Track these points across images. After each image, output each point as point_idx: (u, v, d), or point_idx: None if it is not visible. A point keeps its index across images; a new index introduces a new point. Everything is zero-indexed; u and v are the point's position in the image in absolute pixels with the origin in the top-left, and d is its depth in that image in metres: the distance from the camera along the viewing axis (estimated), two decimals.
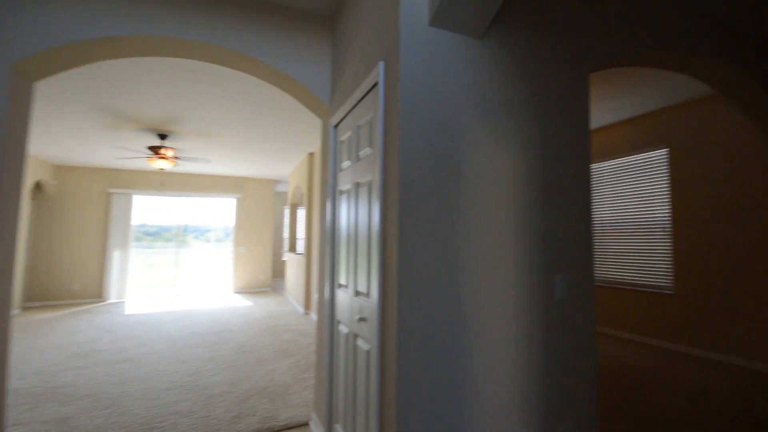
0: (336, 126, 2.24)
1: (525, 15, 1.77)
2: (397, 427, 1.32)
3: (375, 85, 1.64)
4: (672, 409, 2.60)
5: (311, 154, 6.02)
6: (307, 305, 5.86)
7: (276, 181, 9.02)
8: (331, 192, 2.24)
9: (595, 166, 5.06)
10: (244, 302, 6.89)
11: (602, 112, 4.43)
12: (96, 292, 7.01)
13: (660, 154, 4.33)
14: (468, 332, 1.48)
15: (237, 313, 5.93)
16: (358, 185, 1.85)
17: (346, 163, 2.04)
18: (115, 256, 7.10)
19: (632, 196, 4.61)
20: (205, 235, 9.40)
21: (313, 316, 5.62)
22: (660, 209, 4.30)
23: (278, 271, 11.00)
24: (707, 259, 3.86)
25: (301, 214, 7.99)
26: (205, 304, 6.69)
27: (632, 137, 4.61)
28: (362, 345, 1.69)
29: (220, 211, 8.42)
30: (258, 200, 8.43)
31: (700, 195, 3.95)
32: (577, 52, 1.89)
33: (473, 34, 1.61)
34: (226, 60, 2.23)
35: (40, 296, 6.62)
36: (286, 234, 10.53)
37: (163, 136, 4.91)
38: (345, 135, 2.06)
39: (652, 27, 2.24)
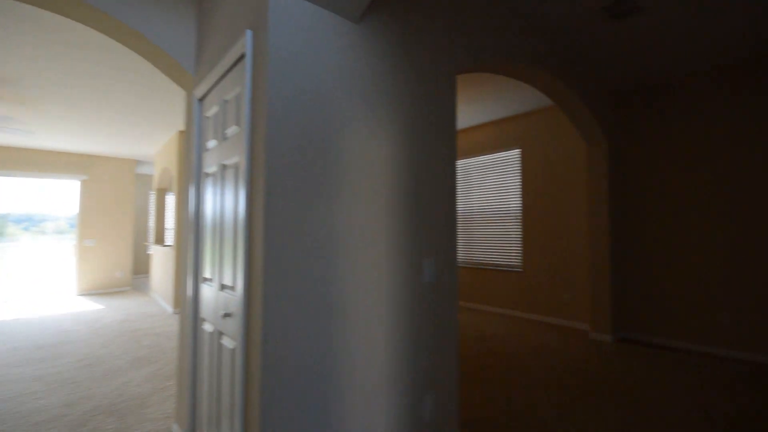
0: (201, 99, 1.97)
1: (402, 8, 1.81)
2: (261, 427, 1.23)
3: (243, 56, 1.48)
4: (517, 367, 3.10)
5: (181, 132, 5.29)
6: (177, 303, 5.20)
7: (138, 162, 7.70)
8: (195, 175, 1.98)
9: (464, 162, 5.66)
10: (91, 305, 5.75)
11: (472, 113, 4.95)
12: None
13: (514, 154, 5.06)
14: (340, 320, 1.48)
15: (81, 319, 4.91)
16: (224, 167, 1.66)
17: (212, 143, 1.82)
18: None
19: (493, 189, 5.30)
20: (39, 225, 7.54)
21: None
22: (514, 201, 5.05)
23: (142, 266, 9.50)
24: (546, 241, 4.69)
25: (171, 200, 7.00)
26: (37, 311, 5.36)
27: (494, 138, 5.28)
28: (227, 343, 1.54)
29: (64, 197, 6.79)
30: (113, 183, 7.07)
31: (542, 189, 4.75)
32: (446, 53, 2.03)
33: (350, 18, 1.57)
34: (54, 3, 1.74)
35: None
36: (152, 223, 9.12)
37: None
38: (211, 110, 1.82)
39: (503, 40, 2.54)
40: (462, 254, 5.67)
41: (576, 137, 4.47)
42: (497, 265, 5.22)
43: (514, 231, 5.05)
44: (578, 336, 4.03)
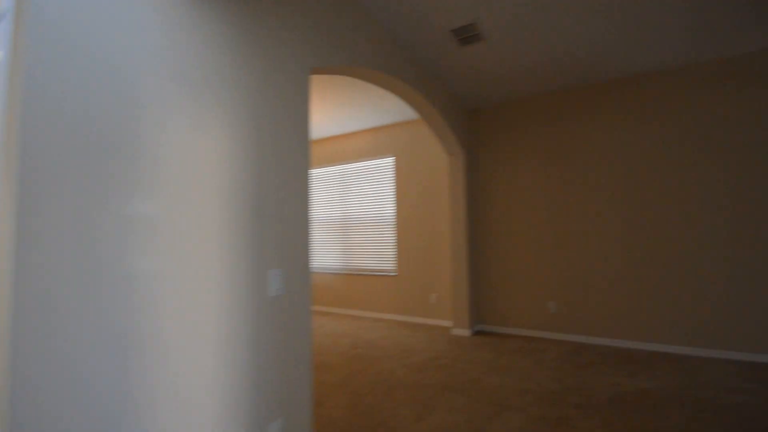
0: None
1: None
2: None
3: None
4: (385, 370, 3.14)
5: None
6: None
7: None
8: None
9: (342, 168, 5.66)
10: None
11: (350, 120, 4.97)
12: None
13: (389, 161, 5.26)
14: (151, 348, 1.19)
15: None
16: None
17: None
18: None
19: (370, 195, 5.41)
20: None
21: None
22: (389, 207, 5.23)
23: None
24: (417, 246, 4.97)
25: None
26: None
27: (371, 145, 5.41)
28: None
29: None
30: None
31: (414, 195, 5.03)
32: (299, 51, 1.91)
33: None
34: None
35: None
36: None
37: None
38: None
39: (357, 47, 2.55)
40: (341, 261, 5.62)
41: (439, 148, 4.86)
42: (374, 271, 5.32)
43: (389, 236, 5.22)
44: (442, 333, 4.34)
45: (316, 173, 5.98)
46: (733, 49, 3.24)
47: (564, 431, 2.19)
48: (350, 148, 5.61)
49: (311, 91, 4.10)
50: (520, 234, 4.29)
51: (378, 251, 5.31)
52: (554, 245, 4.09)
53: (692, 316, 3.46)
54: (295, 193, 1.80)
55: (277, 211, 1.70)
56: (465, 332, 4.24)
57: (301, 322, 1.80)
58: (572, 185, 4.02)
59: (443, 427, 2.23)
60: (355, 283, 5.46)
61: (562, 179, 4.07)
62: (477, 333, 4.33)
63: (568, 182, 4.05)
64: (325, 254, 5.79)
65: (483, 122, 4.58)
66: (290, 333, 1.73)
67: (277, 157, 1.71)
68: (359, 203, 5.49)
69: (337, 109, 4.61)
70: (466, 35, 3.00)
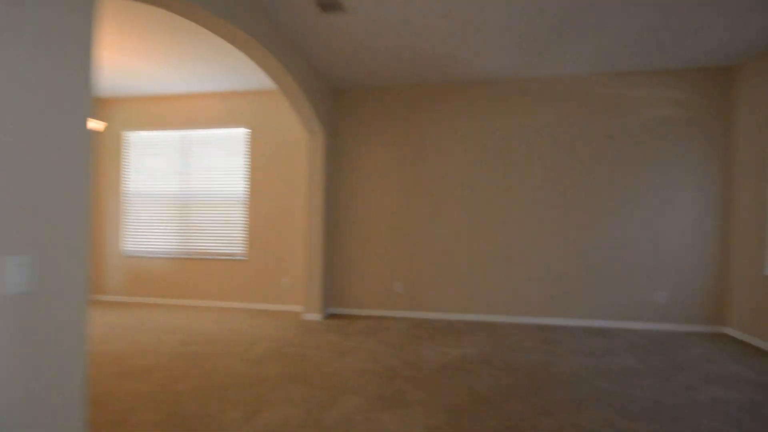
0: None
1: None
2: None
3: None
4: (221, 368, 2.77)
5: None
6: None
7: None
8: None
9: (183, 134, 4.80)
10: None
11: (195, 76, 4.19)
12: None
13: (242, 133, 4.69)
14: None
15: None
16: None
17: None
18: None
19: (216, 169, 4.75)
20: None
21: None
22: (239, 184, 4.69)
23: None
24: (271, 228, 4.60)
25: None
26: None
27: (221, 111, 4.72)
28: None
29: None
30: None
31: (269, 173, 4.61)
32: None
33: None
34: None
35: None
36: None
37: None
38: None
39: None
40: (178, 244, 4.80)
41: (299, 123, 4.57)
42: (220, 254, 4.72)
43: (238, 216, 4.69)
44: (293, 319, 4.15)
45: (144, 137, 4.92)
46: (552, 70, 3.91)
47: (397, 405, 2.28)
48: (195, 112, 4.78)
49: (141, 33, 3.24)
50: (374, 218, 4.39)
51: (225, 233, 4.72)
52: (403, 229, 4.33)
53: (505, 290, 4.15)
54: (60, 154, 1.29)
55: (21, 175, 1.18)
56: (316, 316, 4.15)
57: (69, 329, 1.33)
58: (422, 173, 4.30)
59: (273, 424, 2.05)
60: (195, 269, 4.75)
61: (413, 167, 4.31)
62: (329, 316, 4.29)
63: (418, 170, 4.31)
64: (156, 236, 4.86)
65: (345, 104, 4.47)
66: (45, 345, 1.25)
67: (21, 101, 1.18)
68: (204, 178, 4.76)
69: (181, 63, 3.80)
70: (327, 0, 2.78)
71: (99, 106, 4.94)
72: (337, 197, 4.48)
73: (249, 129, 4.66)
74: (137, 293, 4.88)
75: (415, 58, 3.67)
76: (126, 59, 3.77)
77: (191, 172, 4.78)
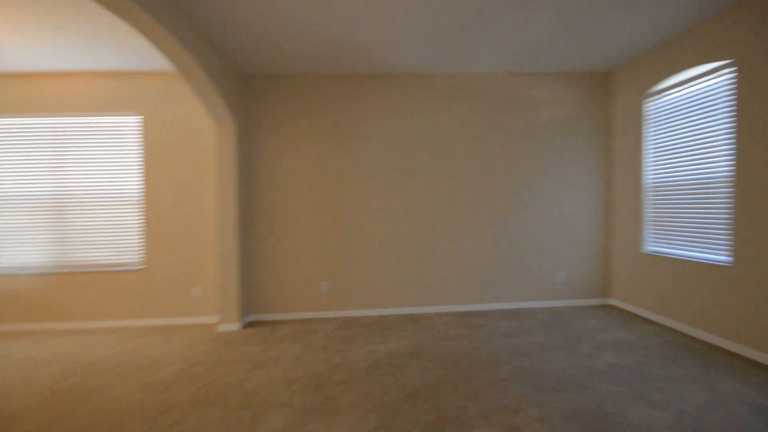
0: None
1: None
2: None
3: None
4: (115, 399, 2.33)
5: None
6: None
7: None
8: None
9: (53, 122, 3.95)
10: None
11: (69, 52, 3.44)
12: None
13: (134, 121, 4.03)
14: None
15: None
16: None
17: None
18: None
19: (102, 164, 4.01)
20: None
21: None
22: (132, 181, 4.03)
23: None
24: (175, 231, 4.05)
25: None
26: None
27: (106, 95, 3.99)
28: None
29: None
30: None
31: (170, 169, 4.04)
32: None
33: None
34: None
35: None
36: None
37: None
38: None
39: None
40: (53, 255, 3.97)
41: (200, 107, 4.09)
42: (109, 265, 4.02)
43: (132, 220, 4.03)
44: (206, 332, 3.72)
45: (5, 124, 3.95)
46: (465, 67, 4.06)
47: (327, 414, 2.14)
48: (72, 94, 3.96)
49: None
50: (295, 216, 4.14)
51: (115, 239, 4.03)
52: (327, 227, 4.16)
53: (430, 282, 4.25)
54: None
55: None
56: (233, 326, 3.78)
57: None
58: (346, 169, 4.17)
59: None
60: (79, 285, 3.98)
61: (337, 162, 4.16)
62: (248, 325, 3.94)
63: (342, 165, 4.16)
64: (24, 247, 3.95)
65: (260, 92, 4.11)
66: None
67: None
68: (85, 174, 3.99)
69: (55, 34, 3.07)
70: None
71: None
72: (254, 194, 4.12)
73: (142, 116, 4.01)
74: (1, 320, 3.92)
75: (331, 46, 3.50)
76: None
77: (68, 168, 3.97)
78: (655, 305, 3.73)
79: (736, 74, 2.88)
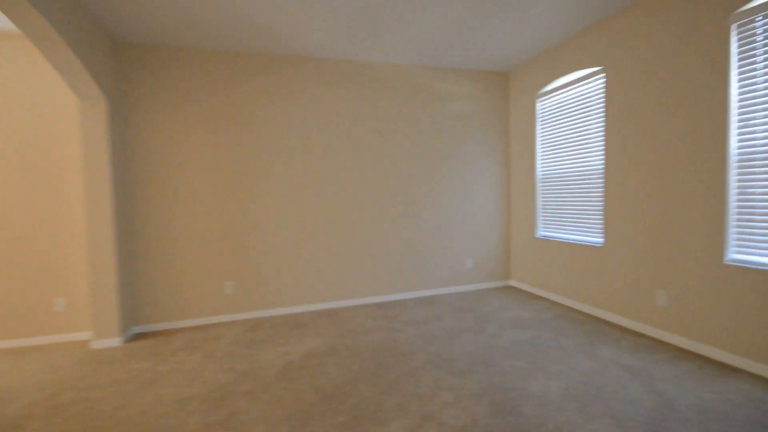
0: None
1: None
2: None
3: None
4: None
5: None
6: None
7: None
8: None
9: None
10: None
11: None
12: None
13: None
14: None
15: None
16: None
17: None
18: None
19: None
20: None
21: None
22: None
23: None
24: (26, 232, 3.24)
25: None
26: None
27: None
28: None
29: None
30: None
31: (18, 155, 3.21)
32: None
33: None
34: None
35: None
36: None
37: None
38: None
39: None
40: None
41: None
42: None
43: None
44: (75, 352, 3.08)
45: None
46: (377, 56, 3.98)
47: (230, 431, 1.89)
48: None
49: None
50: (191, 210, 3.65)
51: None
52: (230, 221, 3.76)
53: (344, 274, 4.14)
54: None
55: None
56: (113, 341, 3.18)
57: None
58: (247, 157, 3.79)
59: None
60: None
61: (236, 150, 3.76)
62: (134, 338, 3.37)
63: (242, 154, 3.78)
64: None
65: (140, 64, 3.48)
66: None
67: None
68: None
69: None
70: None
71: None
72: (138, 185, 3.50)
73: None
74: None
75: (228, 20, 3.11)
76: None
77: None
78: (547, 284, 4.19)
79: (605, 80, 3.32)
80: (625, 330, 3.14)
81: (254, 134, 3.80)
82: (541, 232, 4.29)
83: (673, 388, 2.20)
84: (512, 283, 4.80)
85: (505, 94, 4.69)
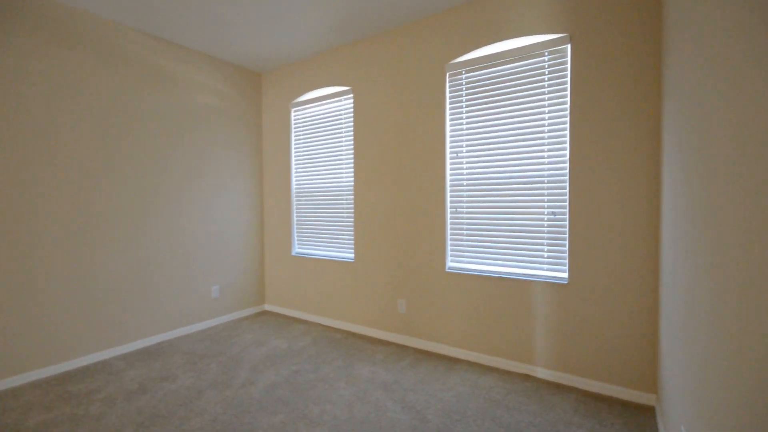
0: None
1: None
2: None
3: None
4: None
5: None
6: None
7: None
8: None
9: None
10: None
11: None
12: None
13: None
14: None
15: None
16: None
17: None
18: None
19: None
20: None
21: None
22: None
23: None
24: None
25: None
26: None
27: None
28: None
29: None
30: None
31: None
32: None
33: None
34: None
35: None
36: None
37: None
38: None
39: None
40: None
41: None
42: None
43: None
44: None
45: None
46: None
47: None
48: None
49: None
50: None
51: None
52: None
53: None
54: None
55: None
56: None
57: None
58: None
59: None
60: None
61: None
62: None
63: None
64: None
65: None
66: None
67: None
68: None
69: None
70: None
71: None
72: None
73: None
74: None
75: None
76: None
77: None
78: (304, 305, 3.95)
79: (352, 100, 3.44)
80: (378, 341, 3.25)
81: None
82: (297, 249, 4.04)
83: (421, 396, 2.31)
84: (267, 307, 4.30)
85: (257, 96, 4.21)
